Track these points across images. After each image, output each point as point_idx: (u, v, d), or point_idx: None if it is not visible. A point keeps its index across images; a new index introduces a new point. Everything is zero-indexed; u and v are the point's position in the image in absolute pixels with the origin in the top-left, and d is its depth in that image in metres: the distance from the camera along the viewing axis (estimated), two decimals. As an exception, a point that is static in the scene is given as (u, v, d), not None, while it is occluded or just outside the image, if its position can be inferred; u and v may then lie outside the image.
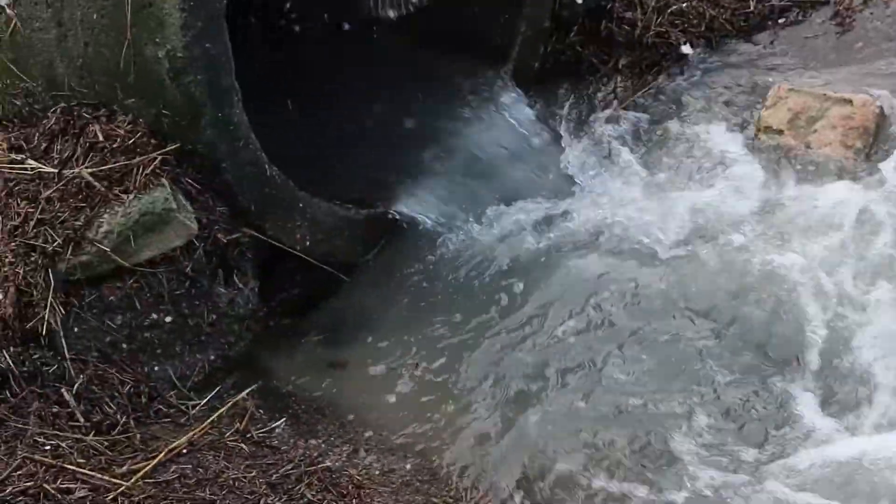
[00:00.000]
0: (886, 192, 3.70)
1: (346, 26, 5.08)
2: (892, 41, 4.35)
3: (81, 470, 3.05)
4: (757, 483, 3.07)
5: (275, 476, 3.17)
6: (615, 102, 4.60)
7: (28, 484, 2.92)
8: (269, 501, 3.05)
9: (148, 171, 3.49)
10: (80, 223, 3.40)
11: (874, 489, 2.97)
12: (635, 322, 3.67)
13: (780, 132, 4.11)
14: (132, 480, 3.05)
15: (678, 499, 3.08)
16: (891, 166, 3.76)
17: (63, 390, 3.33)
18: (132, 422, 3.38)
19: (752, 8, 4.75)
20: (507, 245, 4.07)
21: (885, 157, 3.87)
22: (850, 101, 4.03)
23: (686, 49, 4.70)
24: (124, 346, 3.56)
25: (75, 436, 3.21)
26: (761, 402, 3.32)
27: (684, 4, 4.78)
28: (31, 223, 3.40)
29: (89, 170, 3.48)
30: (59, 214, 3.42)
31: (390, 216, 4.14)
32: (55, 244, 3.37)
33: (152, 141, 3.54)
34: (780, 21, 4.69)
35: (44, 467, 3.00)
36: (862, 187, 3.79)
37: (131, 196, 3.43)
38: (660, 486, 3.13)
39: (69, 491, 2.95)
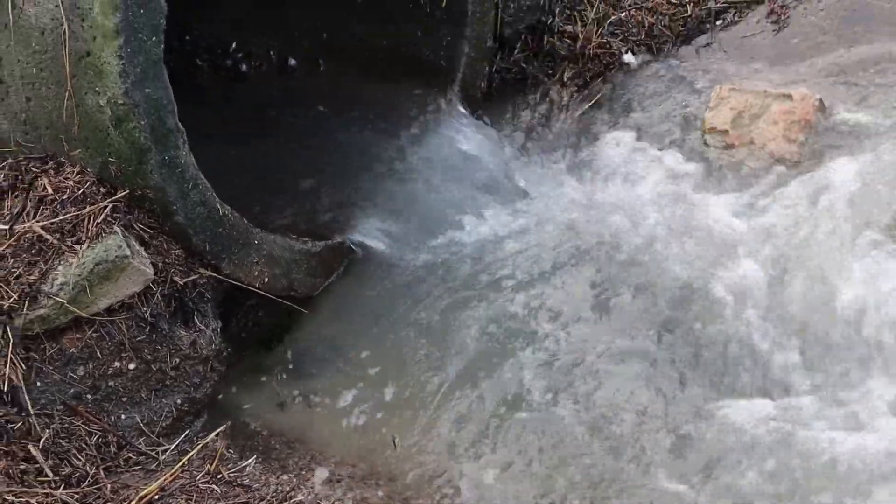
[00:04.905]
0: (829, 182, 3.77)
1: (293, 62, 5.11)
2: (826, 34, 4.43)
3: (53, 525, 3.05)
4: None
5: (248, 514, 3.17)
6: (562, 115, 4.64)
7: (0, 544, 2.91)
8: (244, 540, 3.05)
9: (99, 219, 3.49)
10: (34, 277, 3.39)
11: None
12: (600, 334, 3.72)
13: (725, 132, 4.16)
14: (104, 530, 3.05)
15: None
16: (832, 157, 3.83)
17: (30, 446, 3.31)
18: (102, 472, 3.36)
19: (689, 12, 4.82)
20: (463, 267, 4.10)
21: (827, 147, 3.93)
22: (789, 96, 4.10)
23: (628, 57, 4.76)
24: (89, 396, 3.54)
25: (45, 491, 3.19)
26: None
27: (623, 14, 4.84)
28: (-14, 282, 3.40)
29: (40, 223, 3.48)
30: (13, 270, 3.41)
31: (347, 245, 4.16)
32: (11, 300, 3.35)
33: (101, 189, 3.55)
34: (718, 23, 4.76)
35: (14, 525, 2.99)
36: (807, 180, 3.85)
37: (84, 246, 3.43)
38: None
39: (41, 546, 2.95)
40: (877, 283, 3.45)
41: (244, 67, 5.24)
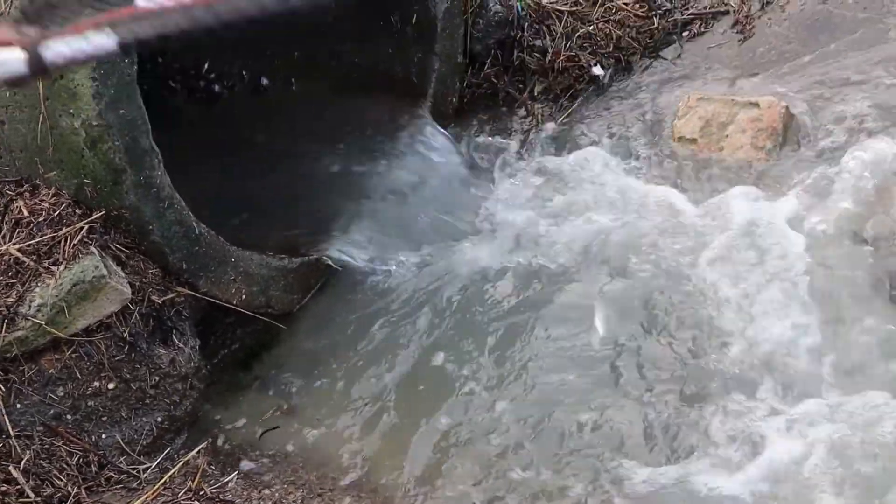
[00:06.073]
0: (794, 187, 3.84)
1: (265, 81, 5.14)
2: (791, 43, 4.50)
3: (35, 545, 3.06)
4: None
5: (230, 530, 3.19)
6: (531, 130, 4.69)
7: (-19, 567, 2.92)
8: (226, 555, 3.07)
9: (76, 241, 3.51)
10: (12, 300, 3.40)
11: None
12: (570, 345, 3.76)
13: (694, 140, 4.22)
14: (87, 549, 3.06)
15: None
16: (799, 162, 3.90)
17: (10, 468, 3.31)
18: (84, 492, 3.37)
19: (656, 24, 4.88)
20: (438, 280, 4.12)
21: (794, 154, 4.00)
22: (756, 104, 4.16)
23: (597, 70, 4.82)
24: (69, 417, 3.55)
25: (26, 512, 3.21)
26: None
27: (591, 27, 4.89)
28: (-37, 305, 3.40)
29: (17, 246, 3.49)
30: (-10, 293, 3.43)
31: (323, 262, 4.18)
32: (-12, 323, 3.37)
33: (77, 210, 3.57)
34: (684, 34, 4.82)
35: (-4, 547, 2.99)
36: (775, 186, 3.92)
37: (61, 267, 3.45)
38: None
39: (24, 568, 2.95)
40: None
41: (217, 88, 5.26)
